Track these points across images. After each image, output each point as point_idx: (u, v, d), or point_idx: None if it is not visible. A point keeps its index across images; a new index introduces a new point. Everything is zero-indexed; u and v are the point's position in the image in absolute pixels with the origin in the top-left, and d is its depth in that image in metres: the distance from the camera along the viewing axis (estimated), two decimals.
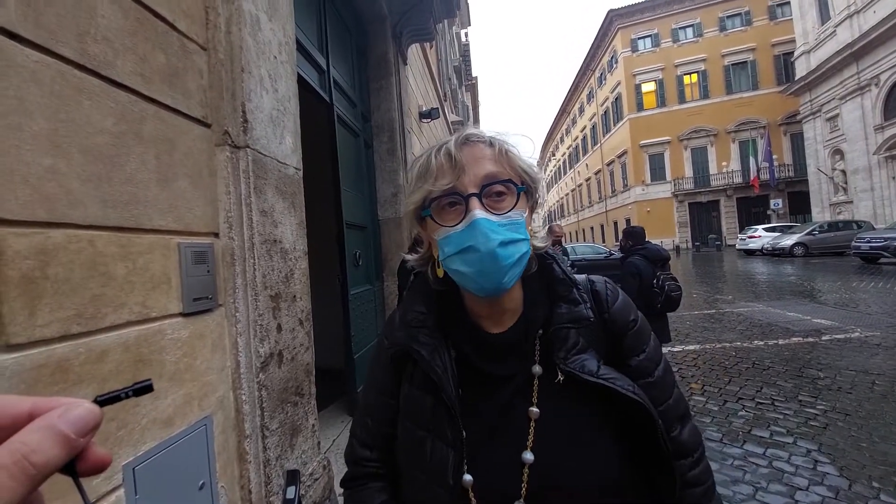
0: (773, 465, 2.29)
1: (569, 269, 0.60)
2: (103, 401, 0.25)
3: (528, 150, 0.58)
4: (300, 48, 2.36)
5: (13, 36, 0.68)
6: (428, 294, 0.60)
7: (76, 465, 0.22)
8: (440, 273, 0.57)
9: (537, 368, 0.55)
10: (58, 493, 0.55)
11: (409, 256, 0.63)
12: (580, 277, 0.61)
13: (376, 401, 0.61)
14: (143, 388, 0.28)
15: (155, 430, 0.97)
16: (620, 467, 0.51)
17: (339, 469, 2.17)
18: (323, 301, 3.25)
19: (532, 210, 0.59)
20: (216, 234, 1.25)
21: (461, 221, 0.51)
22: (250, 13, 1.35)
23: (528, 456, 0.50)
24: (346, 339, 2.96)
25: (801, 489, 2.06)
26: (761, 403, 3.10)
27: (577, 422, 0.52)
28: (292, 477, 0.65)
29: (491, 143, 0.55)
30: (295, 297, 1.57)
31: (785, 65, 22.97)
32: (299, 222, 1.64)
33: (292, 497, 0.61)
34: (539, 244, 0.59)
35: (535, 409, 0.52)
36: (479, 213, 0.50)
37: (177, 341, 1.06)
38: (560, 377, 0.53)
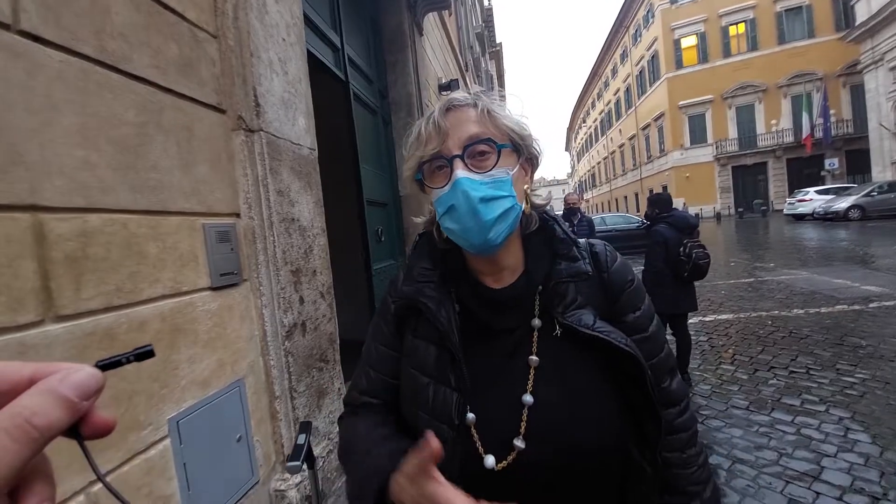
0: (800, 432, 2.26)
1: (569, 229, 0.63)
2: (104, 365, 0.25)
3: (516, 108, 0.60)
4: (313, 27, 2.38)
5: (37, 39, 0.76)
6: (433, 252, 0.64)
7: (80, 429, 0.22)
8: (444, 234, 0.61)
9: (536, 321, 0.58)
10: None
11: (417, 219, 0.67)
12: (580, 241, 0.64)
13: (379, 352, 0.65)
14: (144, 353, 0.28)
15: (194, 389, 1.10)
16: (612, 412, 0.55)
17: None
18: (349, 276, 3.39)
19: (532, 167, 0.62)
20: (237, 215, 1.34)
21: (448, 182, 0.55)
22: None
23: (528, 398, 0.54)
24: (370, 311, 3.09)
25: (828, 455, 2.02)
26: (794, 372, 3.01)
27: (574, 371, 0.56)
28: (304, 427, 0.73)
29: (475, 104, 0.57)
30: (315, 271, 1.66)
31: (844, 8, 20.40)
32: (316, 201, 1.71)
33: (302, 443, 0.69)
34: (539, 202, 0.62)
35: (534, 358, 0.56)
36: (460, 172, 0.54)
37: (207, 312, 1.18)
38: (558, 330, 0.56)
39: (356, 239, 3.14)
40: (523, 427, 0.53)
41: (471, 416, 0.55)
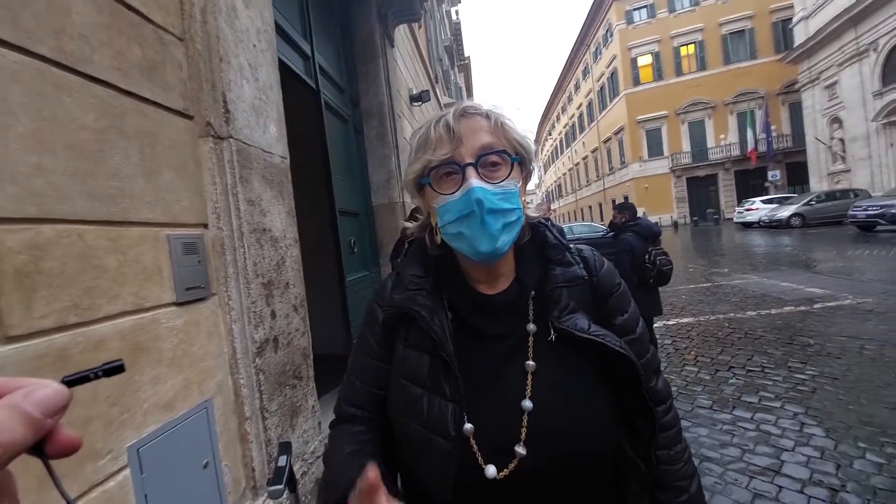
0: (760, 428, 2.38)
1: (560, 235, 0.65)
2: (71, 381, 0.24)
3: (522, 122, 0.61)
4: (283, 35, 2.34)
5: None
6: (425, 259, 0.63)
7: (45, 447, 0.22)
8: (438, 239, 0.61)
9: (532, 326, 0.58)
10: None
11: (407, 224, 0.66)
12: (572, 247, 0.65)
13: (365, 364, 0.63)
14: (114, 369, 0.27)
15: (157, 413, 1.02)
16: (608, 414, 0.55)
17: None
18: (321, 289, 3.30)
19: (526, 181, 0.63)
20: (205, 225, 1.28)
21: (458, 189, 0.55)
22: (226, 1, 1.35)
23: (528, 403, 0.54)
24: (345, 324, 3.01)
25: (787, 450, 2.14)
26: (752, 371, 3.18)
27: (570, 374, 0.56)
28: (284, 448, 0.69)
29: (487, 115, 0.58)
30: (288, 284, 1.60)
31: (783, 32, 22.43)
32: (288, 210, 1.66)
33: (283, 465, 0.65)
34: (532, 214, 0.63)
35: (531, 363, 0.56)
36: (474, 181, 0.53)
37: (172, 329, 1.11)
38: (553, 335, 0.57)
39: (328, 250, 3.07)
40: (524, 433, 0.53)
41: (468, 426, 0.53)
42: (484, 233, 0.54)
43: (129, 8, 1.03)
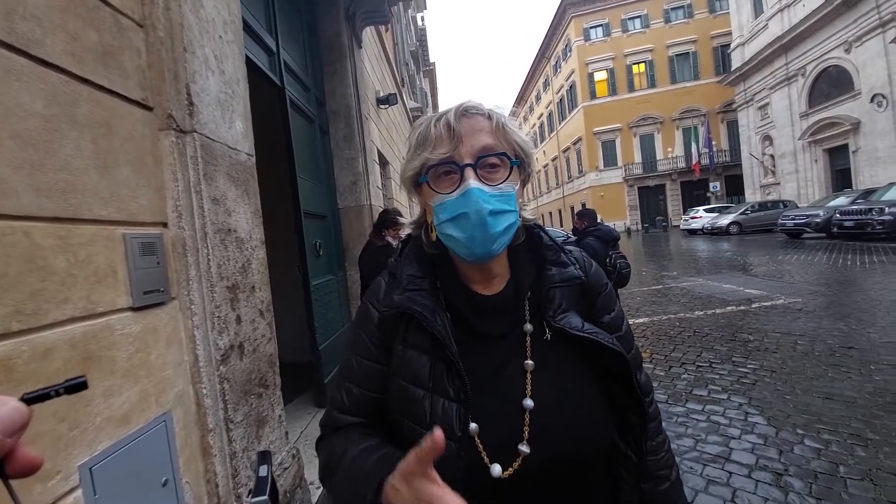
0: (710, 419, 2.55)
1: (554, 237, 0.66)
2: (31, 398, 0.23)
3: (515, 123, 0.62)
4: (247, 29, 2.25)
5: None
6: (422, 258, 0.62)
7: (4, 466, 0.21)
8: (433, 237, 0.60)
9: (528, 326, 0.59)
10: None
11: (403, 220, 0.65)
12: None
13: (361, 366, 0.61)
14: (76, 385, 0.26)
15: (110, 428, 0.94)
16: (602, 408, 0.57)
17: (309, 458, 2.16)
18: (282, 294, 3.18)
19: (524, 184, 0.63)
20: (164, 224, 1.19)
21: (456, 189, 0.54)
22: None
23: (529, 402, 0.54)
24: (310, 330, 2.91)
25: (734, 438, 2.31)
26: (701, 366, 3.41)
27: (567, 372, 0.57)
28: (264, 457, 0.65)
29: (489, 115, 0.57)
30: (254, 287, 1.53)
31: (723, 56, 24.49)
32: (254, 210, 1.59)
33: (265, 475, 0.61)
34: (528, 216, 0.63)
35: (529, 362, 0.56)
36: (473, 182, 0.53)
37: (128, 336, 1.02)
38: (549, 334, 0.58)
39: (292, 253, 2.96)
40: (526, 432, 0.53)
41: (473, 425, 0.53)
42: (480, 234, 0.53)
43: None
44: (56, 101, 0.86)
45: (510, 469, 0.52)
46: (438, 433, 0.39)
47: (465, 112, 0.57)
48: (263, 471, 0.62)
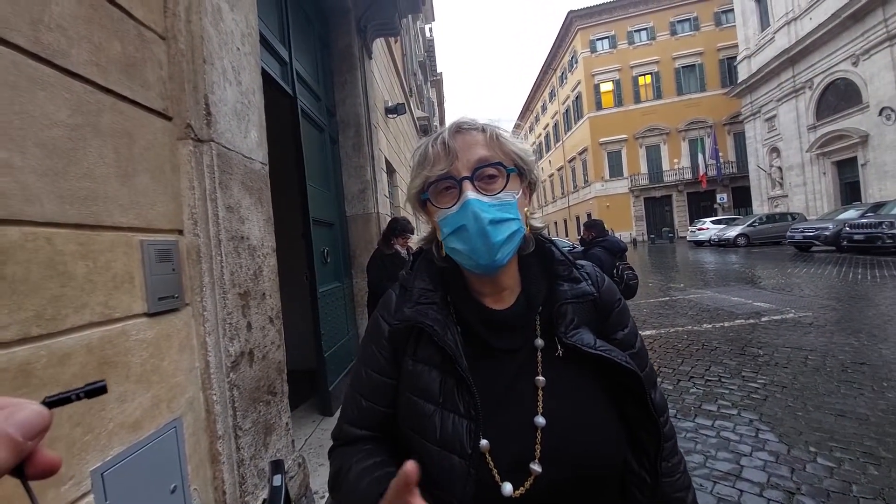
0: (720, 435, 2.50)
1: (566, 251, 0.65)
2: (52, 402, 0.24)
3: (519, 135, 0.63)
4: (261, 39, 2.29)
5: None
6: (433, 272, 0.63)
7: (25, 468, 0.21)
8: (443, 252, 0.61)
9: (540, 342, 0.58)
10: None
11: (414, 237, 0.65)
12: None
13: (371, 380, 0.61)
14: (96, 390, 0.26)
15: (123, 434, 0.94)
16: (616, 428, 0.56)
17: (314, 467, 2.15)
18: (290, 300, 3.19)
19: (531, 191, 0.64)
20: (180, 231, 1.21)
21: (455, 203, 0.55)
22: (211, 2, 1.31)
23: (541, 420, 0.53)
24: (315, 337, 2.91)
25: (745, 455, 2.26)
26: (710, 380, 3.36)
27: (578, 389, 0.56)
28: (277, 467, 0.65)
29: (483, 129, 0.59)
30: (265, 294, 1.54)
31: (729, 68, 24.56)
32: (266, 218, 1.61)
33: (279, 485, 0.61)
34: (537, 224, 0.63)
35: (541, 378, 0.56)
36: (470, 194, 0.54)
37: (142, 342, 1.03)
38: (560, 350, 0.57)
39: (300, 260, 2.98)
40: (538, 450, 0.52)
41: (484, 442, 0.52)
42: (482, 244, 0.54)
43: (111, 2, 0.98)
44: (80, 110, 0.88)
45: (521, 489, 0.51)
46: (411, 467, 0.40)
47: (458, 129, 0.58)
48: (277, 480, 0.62)
